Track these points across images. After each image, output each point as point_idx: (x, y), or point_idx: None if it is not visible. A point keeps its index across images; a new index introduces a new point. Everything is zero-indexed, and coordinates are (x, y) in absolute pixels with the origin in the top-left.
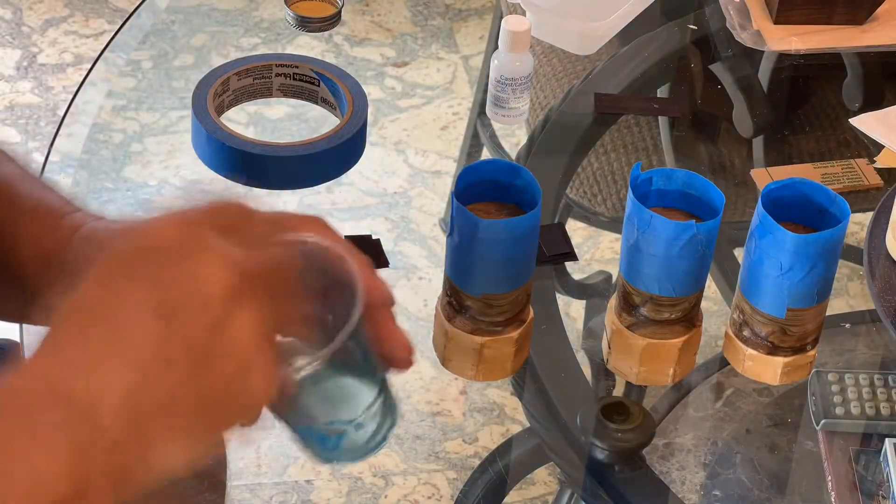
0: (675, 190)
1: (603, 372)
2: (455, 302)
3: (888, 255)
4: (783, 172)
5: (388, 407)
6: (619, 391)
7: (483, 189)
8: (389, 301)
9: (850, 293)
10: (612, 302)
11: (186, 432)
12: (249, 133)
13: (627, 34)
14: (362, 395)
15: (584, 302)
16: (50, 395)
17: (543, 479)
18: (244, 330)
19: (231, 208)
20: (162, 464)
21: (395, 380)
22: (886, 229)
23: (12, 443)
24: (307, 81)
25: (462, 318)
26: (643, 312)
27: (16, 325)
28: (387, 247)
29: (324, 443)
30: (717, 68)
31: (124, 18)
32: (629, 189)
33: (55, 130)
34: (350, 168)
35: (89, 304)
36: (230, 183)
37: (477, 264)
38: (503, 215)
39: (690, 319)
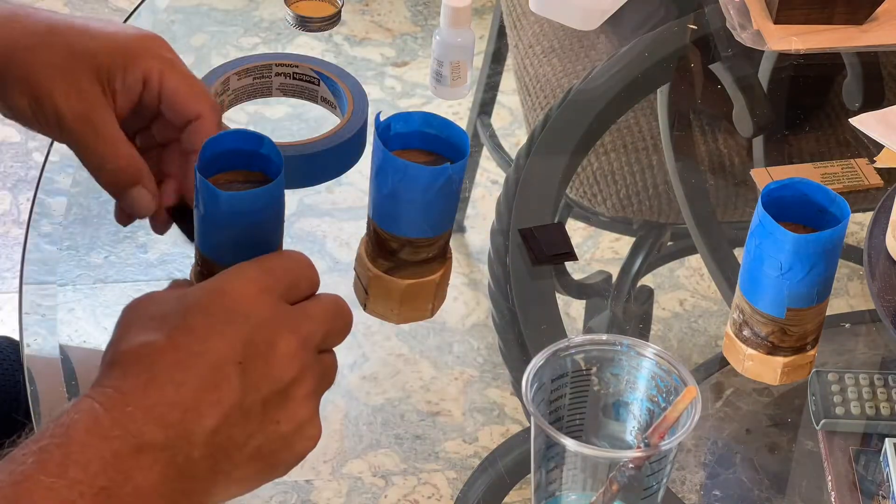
0: (414, 131)
1: None
2: (206, 272)
3: (888, 255)
4: (783, 172)
5: None
6: None
7: (231, 160)
8: None
9: (850, 293)
10: (362, 250)
11: (250, 473)
12: None
13: (627, 34)
14: None
15: (584, 302)
16: (152, 420)
17: None
18: (304, 400)
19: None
20: (219, 496)
21: (395, 380)
22: (886, 229)
23: (121, 459)
24: (307, 81)
25: None
26: (401, 256)
27: (16, 325)
28: None
29: None
30: (717, 68)
31: (124, 18)
32: (377, 141)
33: None
34: (350, 168)
35: (183, 348)
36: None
37: (224, 235)
38: (250, 185)
39: (444, 254)
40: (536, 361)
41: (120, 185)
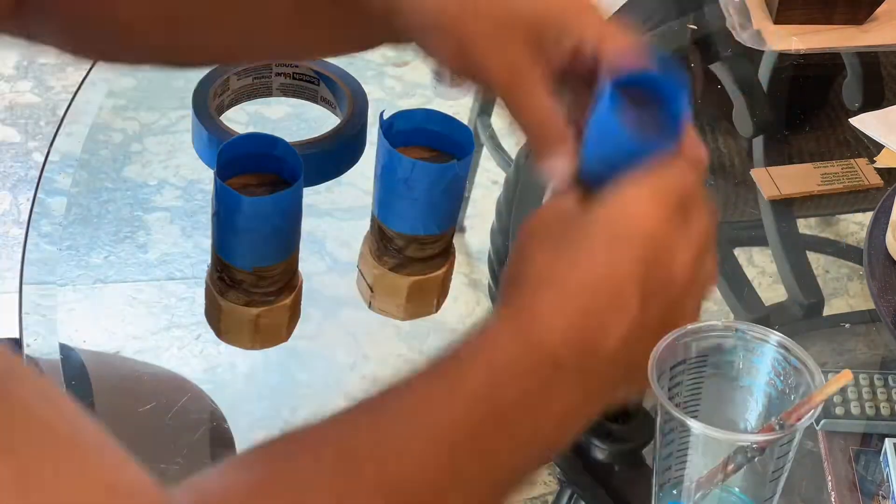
0: (416, 128)
1: None
2: (227, 277)
3: (888, 255)
4: (783, 172)
5: None
6: None
7: (243, 163)
8: None
9: (850, 293)
10: (366, 248)
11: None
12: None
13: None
14: None
15: None
16: (564, 342)
17: (543, 479)
18: (693, 313)
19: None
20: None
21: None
22: (886, 229)
23: (548, 387)
24: (307, 81)
25: (235, 291)
26: (407, 253)
27: (16, 325)
28: None
29: None
30: (717, 68)
31: None
32: (382, 139)
33: (55, 130)
34: (350, 168)
35: (588, 270)
36: None
37: (245, 240)
38: (265, 188)
39: (448, 249)
40: (657, 350)
41: (536, 153)
